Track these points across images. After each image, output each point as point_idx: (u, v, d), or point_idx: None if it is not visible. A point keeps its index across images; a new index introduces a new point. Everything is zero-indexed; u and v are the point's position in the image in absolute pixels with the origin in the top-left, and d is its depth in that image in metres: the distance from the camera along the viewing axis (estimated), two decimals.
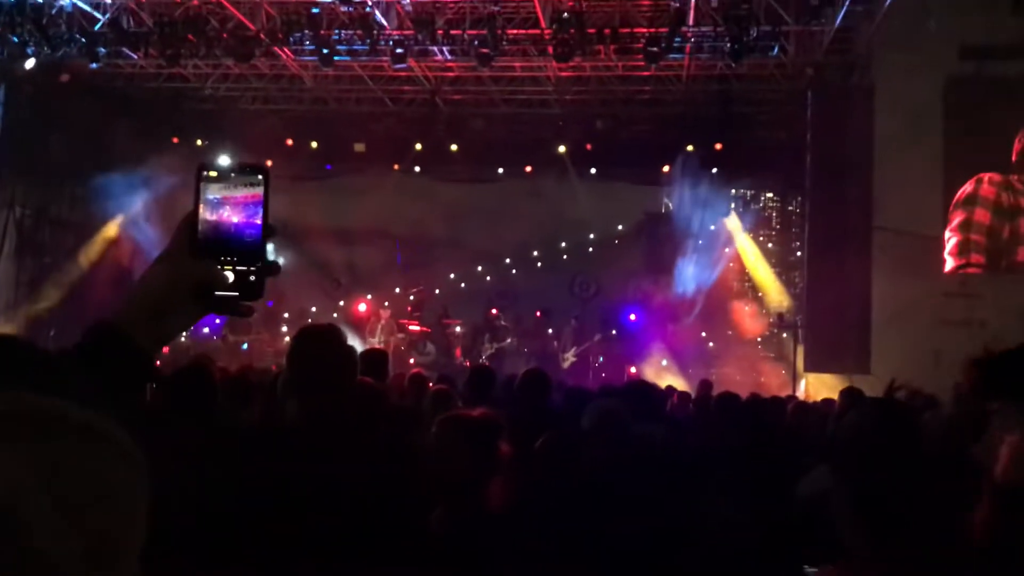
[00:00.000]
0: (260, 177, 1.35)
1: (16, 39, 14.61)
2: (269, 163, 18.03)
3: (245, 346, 18.84)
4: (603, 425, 3.67)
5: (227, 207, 1.33)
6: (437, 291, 22.48)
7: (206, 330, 19.83)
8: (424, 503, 2.98)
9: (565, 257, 23.34)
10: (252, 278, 1.33)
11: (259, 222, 1.34)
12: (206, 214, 1.32)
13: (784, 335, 16.27)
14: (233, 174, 1.34)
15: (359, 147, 19.00)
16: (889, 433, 1.92)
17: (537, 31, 14.45)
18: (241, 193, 1.33)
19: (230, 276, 1.32)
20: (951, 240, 13.71)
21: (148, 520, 0.79)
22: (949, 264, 13.75)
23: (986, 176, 13.56)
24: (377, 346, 5.47)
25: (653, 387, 5.71)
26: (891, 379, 2.15)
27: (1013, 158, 13.43)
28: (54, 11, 14.67)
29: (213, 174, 1.33)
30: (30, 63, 15.41)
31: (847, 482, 1.90)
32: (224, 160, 1.34)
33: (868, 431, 1.94)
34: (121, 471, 0.78)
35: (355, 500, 2.57)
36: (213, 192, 1.33)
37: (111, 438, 0.79)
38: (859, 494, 1.88)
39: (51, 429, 0.75)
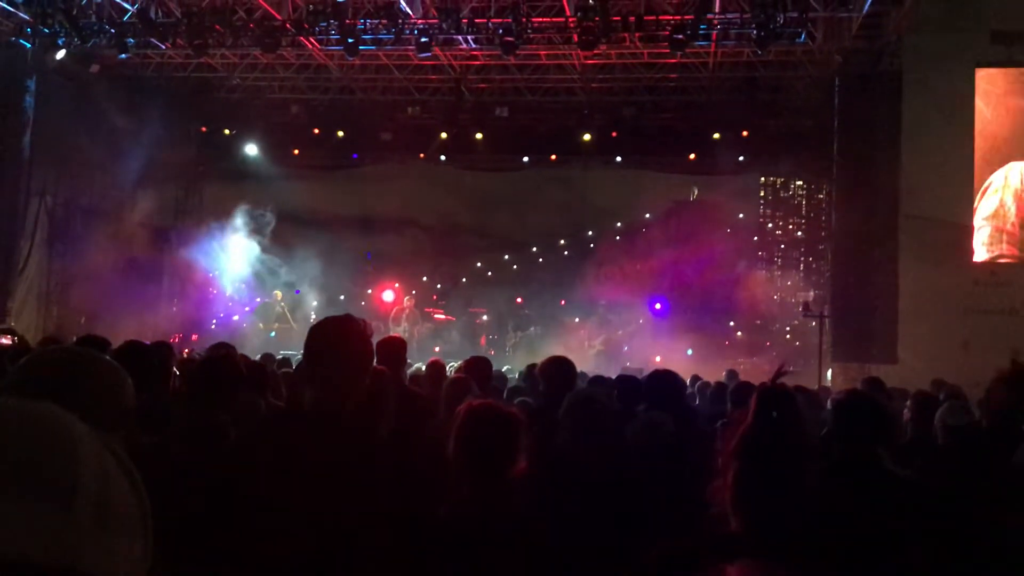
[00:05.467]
0: None
1: (47, 31, 14.81)
2: (296, 152, 17.92)
3: (273, 334, 19.01)
4: (575, 413, 3.74)
5: None
6: (464, 279, 22.56)
7: (236, 318, 20.06)
8: (438, 487, 3.01)
9: (592, 245, 23.30)
10: None
11: None
12: None
13: (812, 324, 16.09)
14: None
15: (385, 136, 19.07)
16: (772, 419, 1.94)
17: (561, 19, 14.38)
18: None
19: None
20: (982, 229, 13.49)
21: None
22: (981, 254, 13.55)
23: (1017, 165, 13.33)
24: (395, 335, 5.50)
25: (674, 377, 5.66)
26: (780, 363, 2.14)
27: None
28: (84, 2, 14.84)
29: None
30: (61, 54, 15.60)
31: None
32: None
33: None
34: None
35: (365, 486, 2.60)
36: None
37: None
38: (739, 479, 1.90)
39: None
